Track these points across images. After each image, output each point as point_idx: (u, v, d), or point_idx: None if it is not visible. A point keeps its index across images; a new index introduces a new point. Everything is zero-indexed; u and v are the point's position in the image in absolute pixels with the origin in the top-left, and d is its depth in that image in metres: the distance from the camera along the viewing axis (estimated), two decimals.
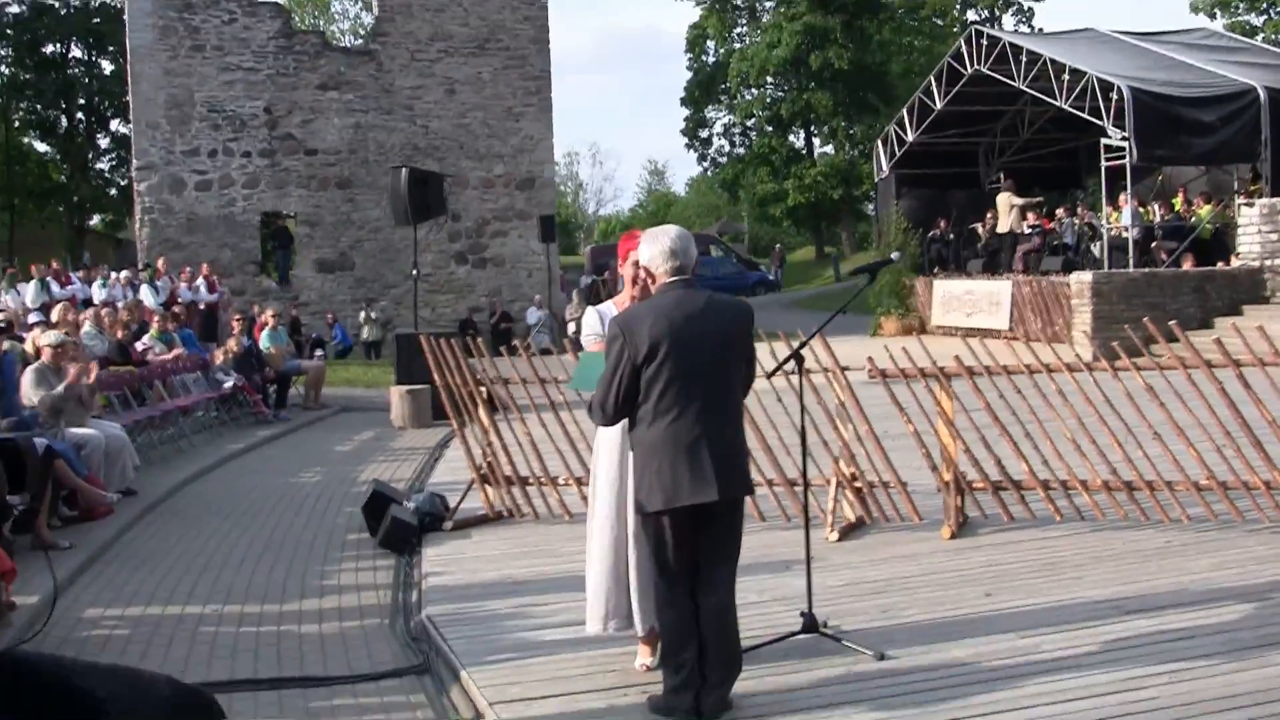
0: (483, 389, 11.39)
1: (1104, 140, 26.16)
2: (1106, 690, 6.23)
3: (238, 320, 21.93)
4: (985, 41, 29.97)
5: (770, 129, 69.19)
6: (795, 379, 7.51)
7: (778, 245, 72.94)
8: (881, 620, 7.62)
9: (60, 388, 12.57)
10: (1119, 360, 9.59)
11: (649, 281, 6.34)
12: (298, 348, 26.88)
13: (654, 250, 6.26)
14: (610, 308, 7.06)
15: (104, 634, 8.43)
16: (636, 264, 6.79)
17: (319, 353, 30.32)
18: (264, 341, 21.95)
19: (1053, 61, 27.61)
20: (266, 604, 9.06)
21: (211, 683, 7.19)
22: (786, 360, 7.21)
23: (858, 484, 10.13)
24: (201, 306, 29.66)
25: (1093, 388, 9.62)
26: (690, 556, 6.17)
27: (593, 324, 7.03)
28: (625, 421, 6.29)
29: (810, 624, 7.09)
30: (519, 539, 10.44)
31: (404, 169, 21.11)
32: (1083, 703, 6.10)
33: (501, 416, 11.45)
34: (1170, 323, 10.33)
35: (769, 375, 7.62)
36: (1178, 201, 28.67)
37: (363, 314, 35.59)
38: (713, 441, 6.05)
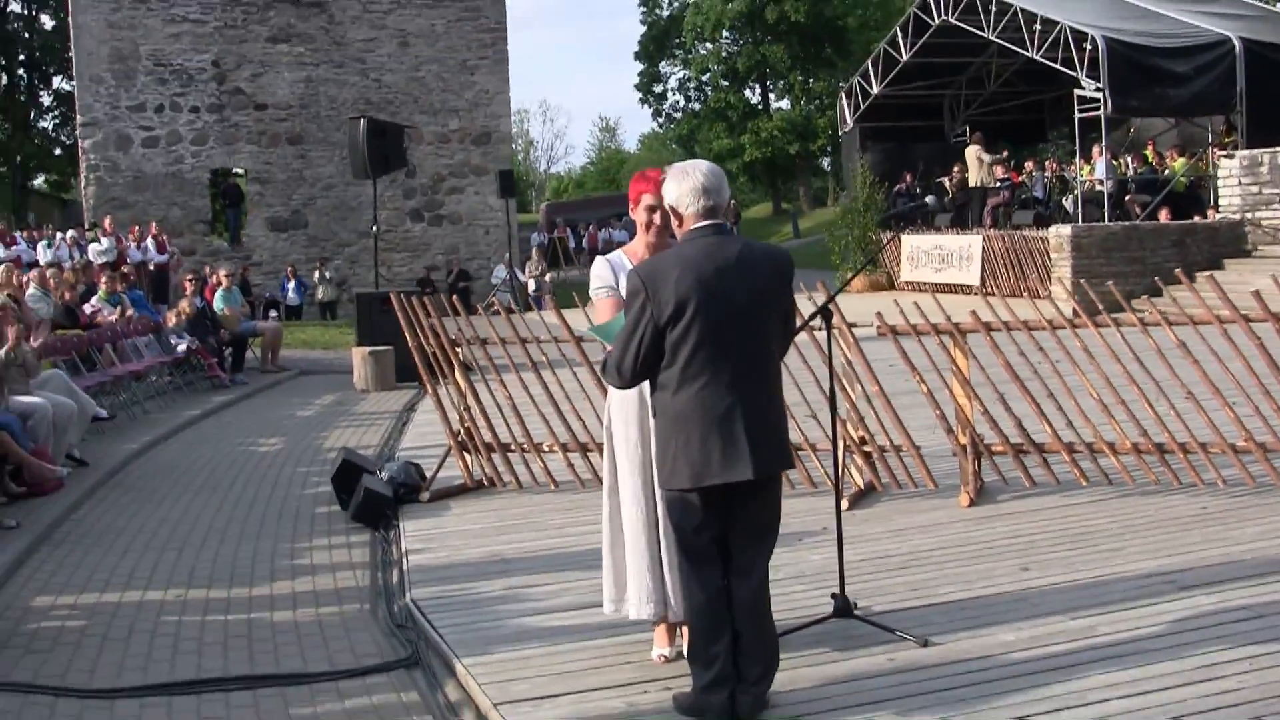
0: (458, 350, 10.63)
1: (1077, 91, 25.59)
2: (1181, 680, 5.59)
3: (190, 280, 21.02)
4: None
5: (726, 83, 68.43)
6: (819, 336, 6.81)
7: (733, 201, 72.17)
8: (913, 600, 6.96)
9: None
10: (1148, 314, 8.95)
11: (675, 225, 5.57)
12: (250, 309, 26.03)
13: (682, 188, 5.48)
14: (621, 257, 6.25)
15: (55, 625, 7.62)
16: (651, 209, 6.05)
17: (273, 313, 29.47)
18: (217, 302, 21.07)
19: (1023, 11, 26.98)
20: (234, 588, 8.29)
21: (177, 683, 6.48)
22: (814, 315, 6.50)
23: (867, 448, 9.47)
24: (151, 267, 28.71)
25: (1120, 344, 8.99)
26: (721, 536, 5.48)
27: (604, 275, 6.18)
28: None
29: (844, 607, 6.43)
30: (502, 511, 9.72)
31: (362, 120, 20.25)
32: (1158, 695, 5.46)
33: (479, 378, 10.71)
34: (1204, 274, 9.66)
35: (795, 331, 6.92)
36: (1149, 154, 28.17)
37: (317, 274, 34.69)
38: (748, 412, 5.32)
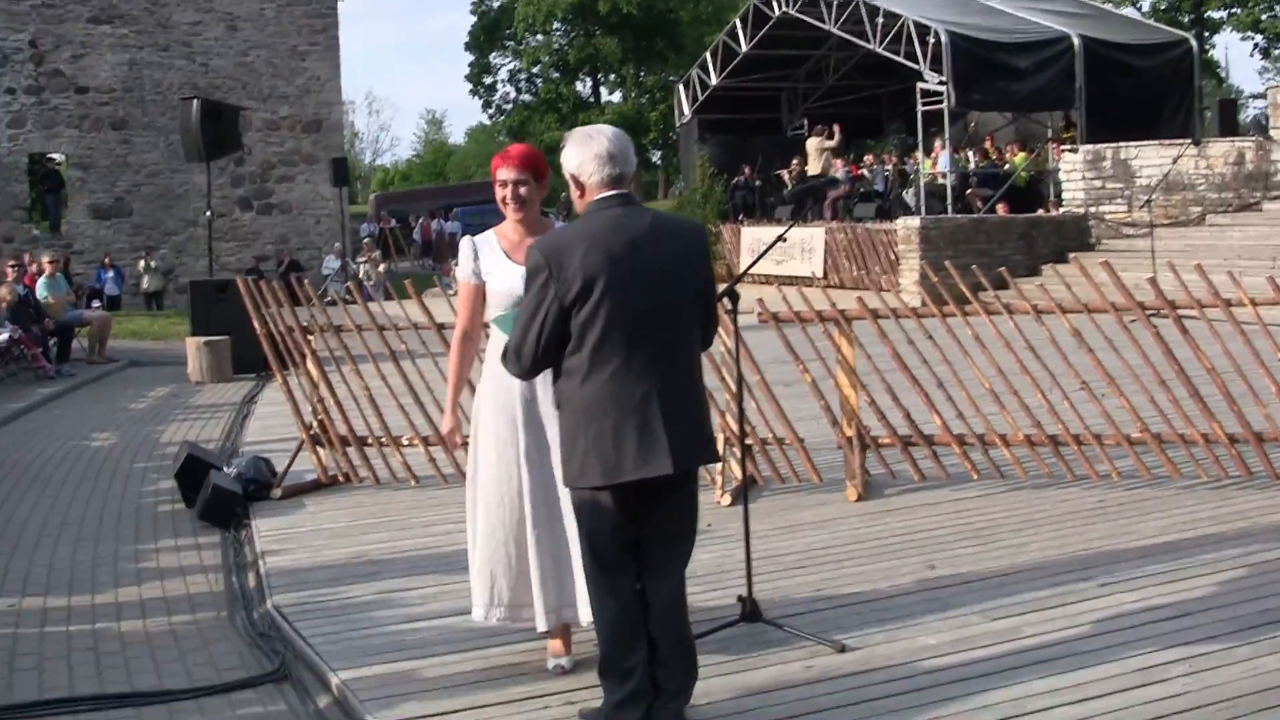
0: (310, 338, 9.98)
1: (920, 85, 25.58)
2: (1123, 685, 5.25)
3: (11, 266, 19.88)
4: None
5: (557, 75, 67.98)
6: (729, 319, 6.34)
7: (563, 195, 71.62)
8: (818, 601, 6.55)
9: None
10: (1041, 303, 8.66)
11: (577, 196, 5.04)
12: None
13: (584, 154, 4.94)
14: (490, 237, 5.79)
15: None
16: (504, 184, 5.65)
17: (96, 304, 28.26)
18: (41, 290, 19.93)
19: (866, 4, 26.89)
20: (75, 595, 7.55)
21: (16, 705, 5.79)
22: (722, 295, 6.03)
23: (748, 441, 9.03)
24: None
25: (1013, 332, 8.68)
26: (634, 539, 4.97)
27: (465, 258, 5.74)
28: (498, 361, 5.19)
29: (753, 611, 5.99)
30: (361, 508, 9.11)
31: (195, 100, 19.29)
32: (1102, 701, 5.11)
33: (333, 368, 10.07)
34: (1101, 261, 9.43)
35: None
36: (990, 148, 28.31)
37: (142, 263, 33.35)
38: (665, 400, 4.79)
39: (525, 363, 4.87)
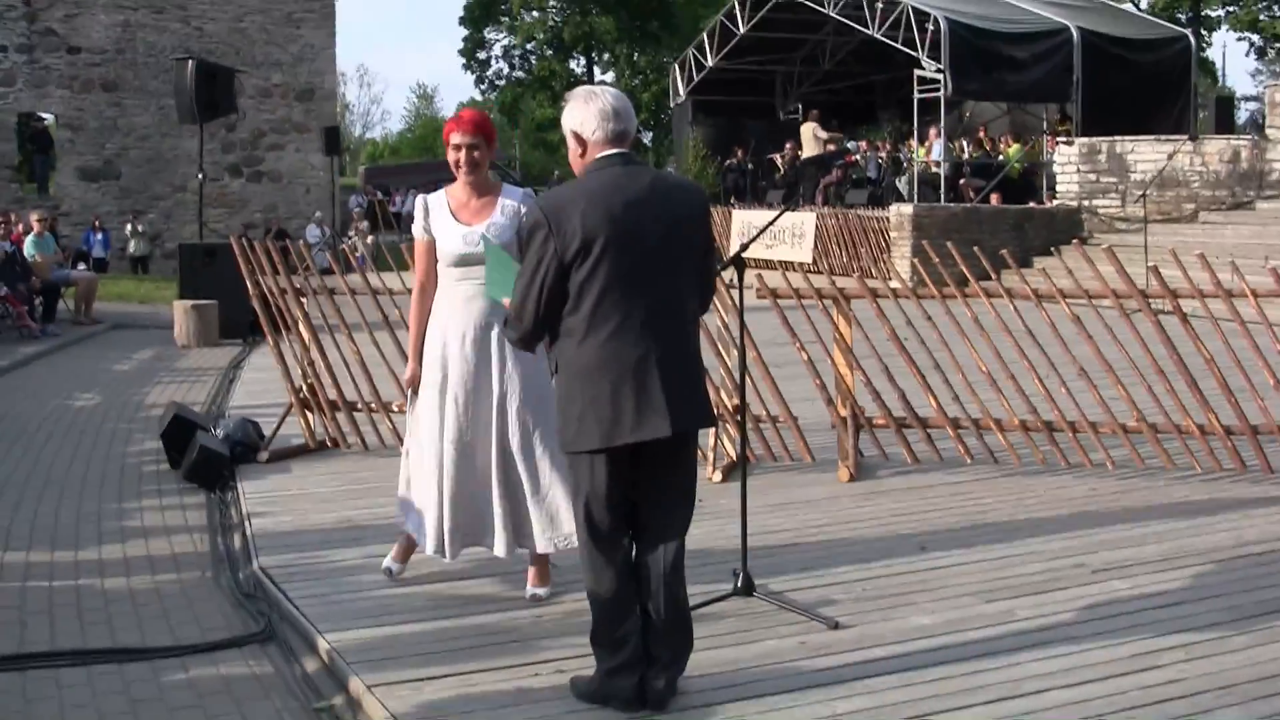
0: (303, 300, 9.89)
1: (917, 72, 25.51)
2: (1118, 670, 5.21)
3: (0, 223, 19.69)
4: None
5: (551, 53, 67.69)
6: (731, 290, 6.28)
7: (555, 173, 71.39)
8: (809, 578, 6.48)
9: None
10: (1043, 287, 8.60)
11: (578, 153, 4.96)
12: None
13: (588, 110, 4.87)
14: (440, 196, 6.19)
15: None
16: (458, 147, 6.01)
17: (81, 266, 28.07)
18: (29, 248, 19.78)
19: None
20: (58, 551, 7.46)
21: None
22: (728, 264, 5.97)
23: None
24: None
25: (1012, 316, 8.63)
26: (630, 504, 4.90)
27: (419, 215, 6.23)
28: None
29: (747, 584, 5.93)
30: (349, 474, 9.04)
31: (190, 61, 19.11)
32: (1097, 685, 5.06)
33: (325, 331, 9.96)
34: (1103, 247, 9.36)
35: (716, 274, 6.39)
36: (983, 139, 28.25)
37: (129, 227, 33.15)
38: (664, 361, 4.72)
39: (527, 323, 4.79)
